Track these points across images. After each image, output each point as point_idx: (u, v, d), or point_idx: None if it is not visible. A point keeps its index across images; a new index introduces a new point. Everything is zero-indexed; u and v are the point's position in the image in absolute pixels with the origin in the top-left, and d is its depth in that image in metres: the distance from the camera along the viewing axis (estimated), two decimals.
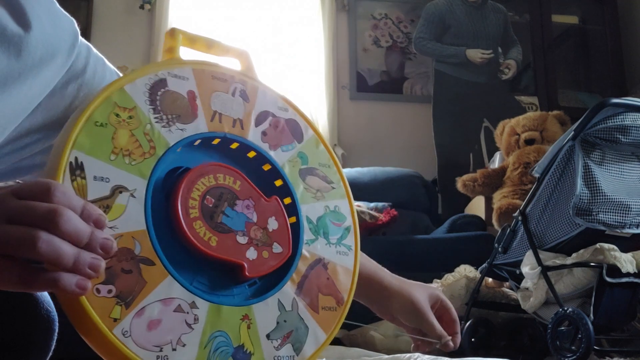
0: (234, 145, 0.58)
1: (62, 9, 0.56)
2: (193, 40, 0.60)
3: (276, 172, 0.60)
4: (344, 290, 0.61)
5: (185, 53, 0.59)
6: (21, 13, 0.50)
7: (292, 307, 0.56)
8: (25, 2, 0.50)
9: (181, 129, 0.53)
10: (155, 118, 0.52)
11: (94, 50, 0.62)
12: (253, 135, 0.59)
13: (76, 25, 0.57)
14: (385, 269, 0.75)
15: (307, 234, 0.59)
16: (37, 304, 0.52)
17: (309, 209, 0.60)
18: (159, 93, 0.53)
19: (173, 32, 0.58)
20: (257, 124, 0.60)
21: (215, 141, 0.57)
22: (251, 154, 0.59)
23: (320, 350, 0.57)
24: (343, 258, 0.62)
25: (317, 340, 0.57)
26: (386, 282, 0.73)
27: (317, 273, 0.59)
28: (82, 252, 0.39)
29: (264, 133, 0.60)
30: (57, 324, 0.53)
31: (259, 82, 0.62)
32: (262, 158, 0.59)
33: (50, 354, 0.53)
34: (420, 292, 0.73)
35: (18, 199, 0.39)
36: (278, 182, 0.60)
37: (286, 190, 0.60)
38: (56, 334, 0.53)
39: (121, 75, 0.60)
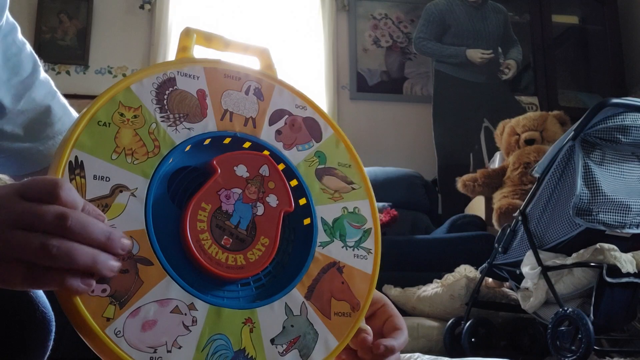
0: (247, 145, 0.57)
1: None
2: (209, 39, 0.59)
3: (290, 172, 0.58)
4: (360, 295, 0.58)
5: (203, 52, 0.59)
6: None
7: (300, 312, 0.54)
8: None
9: (188, 128, 0.53)
10: (161, 117, 0.52)
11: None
12: (266, 134, 0.57)
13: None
14: None
15: (321, 236, 0.57)
16: (32, 304, 0.51)
17: (325, 210, 0.59)
18: (167, 92, 0.53)
19: (187, 31, 0.57)
20: (271, 123, 0.58)
21: (226, 140, 0.56)
22: (264, 153, 0.58)
23: (331, 358, 0.54)
24: (361, 262, 0.59)
25: (328, 347, 0.54)
26: None
27: (330, 277, 0.57)
28: (99, 254, 0.40)
29: (278, 132, 0.58)
30: (53, 324, 0.52)
31: (277, 80, 0.61)
32: (275, 157, 0.58)
33: (48, 354, 0.53)
34: None
35: (24, 200, 0.39)
36: (293, 182, 0.58)
37: (301, 191, 0.58)
38: (53, 335, 0.53)
39: (27, 44, 0.67)
